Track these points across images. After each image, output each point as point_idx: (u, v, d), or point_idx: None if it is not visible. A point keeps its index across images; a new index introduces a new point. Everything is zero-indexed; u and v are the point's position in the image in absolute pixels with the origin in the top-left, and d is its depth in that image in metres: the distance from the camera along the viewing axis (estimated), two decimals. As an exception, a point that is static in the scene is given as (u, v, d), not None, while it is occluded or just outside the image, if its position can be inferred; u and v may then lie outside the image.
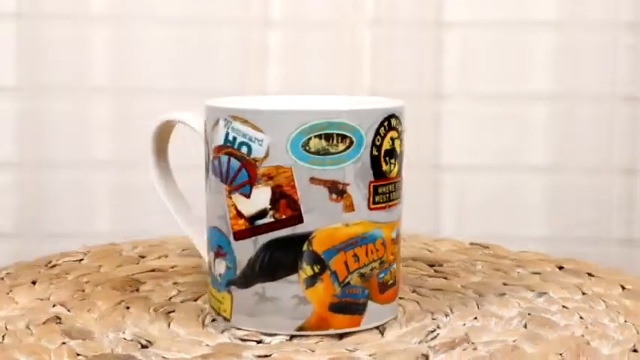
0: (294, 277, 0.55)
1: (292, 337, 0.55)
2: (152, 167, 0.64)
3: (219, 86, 0.87)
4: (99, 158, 0.89)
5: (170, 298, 0.62)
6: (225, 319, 0.57)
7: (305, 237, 0.54)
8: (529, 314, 0.59)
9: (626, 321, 0.58)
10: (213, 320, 0.58)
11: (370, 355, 0.53)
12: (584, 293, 0.63)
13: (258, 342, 0.55)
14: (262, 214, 0.54)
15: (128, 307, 0.60)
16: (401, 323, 0.57)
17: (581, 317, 0.58)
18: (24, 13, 0.87)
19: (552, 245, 0.87)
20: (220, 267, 0.57)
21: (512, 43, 0.88)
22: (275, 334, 0.55)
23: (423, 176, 0.89)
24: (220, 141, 0.55)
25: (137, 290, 0.63)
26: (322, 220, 0.54)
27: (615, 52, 0.87)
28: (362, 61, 0.88)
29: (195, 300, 0.62)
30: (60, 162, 0.88)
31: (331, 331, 0.55)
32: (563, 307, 0.60)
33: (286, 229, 0.54)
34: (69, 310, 0.59)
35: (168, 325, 0.57)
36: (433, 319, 0.59)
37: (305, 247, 0.54)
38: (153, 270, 0.69)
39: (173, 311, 0.59)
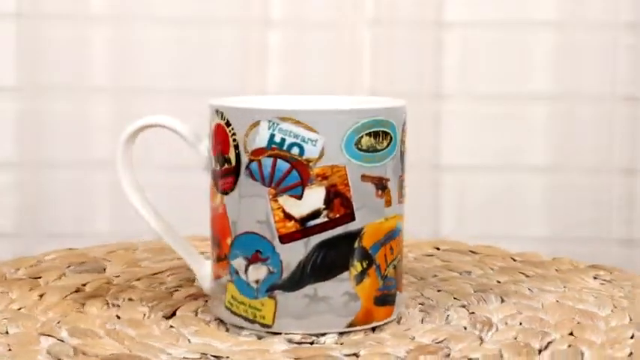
0: (345, 274, 0.55)
1: (341, 334, 0.56)
2: (124, 173, 0.64)
3: (219, 86, 0.87)
4: (99, 158, 0.89)
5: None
6: (263, 325, 0.56)
7: (356, 234, 0.55)
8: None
9: None
10: (241, 328, 0.57)
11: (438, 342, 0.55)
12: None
13: (311, 343, 0.55)
14: (316, 214, 0.54)
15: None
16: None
17: None
18: (24, 13, 0.87)
19: (552, 245, 0.87)
20: (259, 273, 0.55)
21: (512, 43, 0.88)
22: (324, 334, 0.56)
23: (423, 176, 0.89)
24: (262, 143, 0.54)
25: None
26: (370, 216, 0.56)
27: (615, 52, 0.87)
28: (362, 61, 0.88)
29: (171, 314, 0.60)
30: (60, 162, 0.88)
31: (374, 324, 0.57)
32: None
33: (339, 227, 0.55)
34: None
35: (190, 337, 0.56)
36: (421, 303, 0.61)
37: (356, 244, 0.55)
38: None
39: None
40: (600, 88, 0.88)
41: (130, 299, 0.62)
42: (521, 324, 0.58)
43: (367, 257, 0.55)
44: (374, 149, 0.55)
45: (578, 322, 0.58)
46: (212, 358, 0.52)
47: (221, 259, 0.57)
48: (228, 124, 0.55)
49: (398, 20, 0.88)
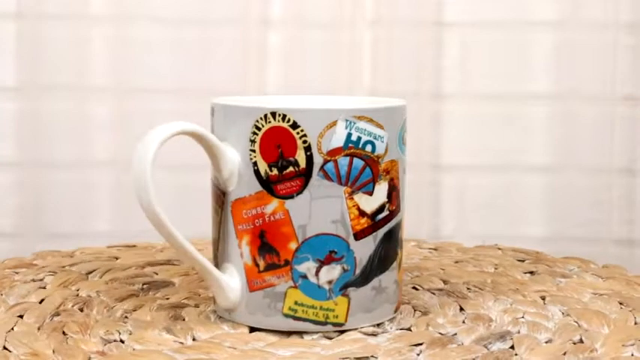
0: (394, 263, 0.58)
1: (391, 320, 0.59)
2: (152, 186, 0.55)
3: (219, 86, 0.87)
4: (99, 158, 0.89)
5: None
6: (335, 324, 0.56)
7: (400, 224, 0.59)
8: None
9: None
10: (302, 333, 0.57)
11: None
12: None
13: (381, 333, 0.57)
14: (382, 208, 0.57)
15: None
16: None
17: None
18: (24, 13, 0.87)
19: (552, 245, 0.87)
20: (333, 273, 0.56)
21: (512, 43, 0.88)
22: (381, 323, 0.58)
23: (423, 176, 0.89)
24: (340, 143, 0.55)
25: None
26: (404, 207, 0.60)
27: (615, 52, 0.87)
28: (362, 61, 0.88)
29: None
30: (60, 162, 0.88)
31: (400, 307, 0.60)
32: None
33: (394, 219, 0.58)
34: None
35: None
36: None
37: (400, 234, 0.59)
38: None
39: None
40: (600, 88, 0.88)
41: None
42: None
43: (402, 245, 0.59)
44: (405, 144, 0.59)
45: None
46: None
47: (277, 266, 0.56)
48: (295, 126, 0.55)
49: (398, 20, 0.88)
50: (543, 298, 0.63)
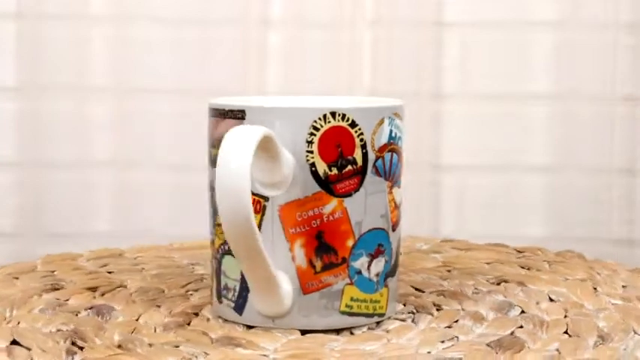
0: None
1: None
2: (249, 203, 0.52)
3: (219, 86, 0.87)
4: (99, 158, 0.89)
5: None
6: (380, 315, 0.58)
7: None
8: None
9: None
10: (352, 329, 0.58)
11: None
12: None
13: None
14: (401, 199, 0.60)
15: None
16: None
17: None
18: (24, 13, 0.87)
19: (552, 245, 0.87)
20: (379, 265, 0.57)
21: (512, 43, 0.88)
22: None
23: (423, 176, 0.89)
24: (385, 139, 0.57)
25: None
26: None
27: (615, 52, 0.87)
28: (362, 61, 0.88)
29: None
30: (60, 162, 0.88)
31: None
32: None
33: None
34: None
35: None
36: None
37: None
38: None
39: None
40: (600, 88, 0.88)
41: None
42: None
43: None
44: None
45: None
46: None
47: (335, 265, 0.56)
48: (353, 124, 0.55)
49: (398, 20, 0.88)
50: None
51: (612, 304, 0.62)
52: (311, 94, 0.66)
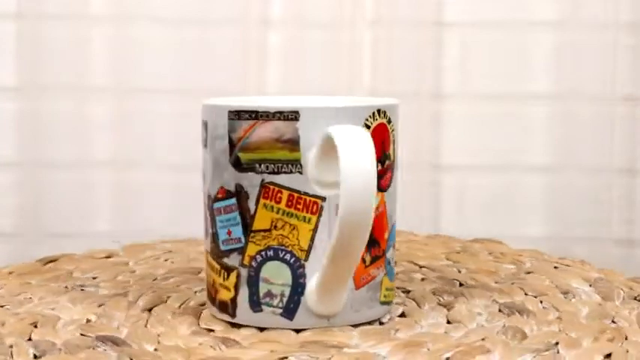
0: None
1: None
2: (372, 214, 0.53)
3: (219, 86, 0.87)
4: (99, 158, 0.89)
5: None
6: (392, 302, 0.61)
7: None
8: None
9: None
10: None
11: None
12: None
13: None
14: None
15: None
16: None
17: None
18: (24, 13, 0.87)
19: (552, 245, 0.87)
20: (394, 253, 0.60)
21: (512, 43, 0.88)
22: None
23: (423, 176, 0.89)
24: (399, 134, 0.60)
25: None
26: None
27: (615, 52, 0.87)
28: (362, 61, 0.88)
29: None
30: (60, 162, 0.88)
31: None
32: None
33: None
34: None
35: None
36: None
37: None
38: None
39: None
40: (600, 88, 0.88)
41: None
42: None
43: None
44: None
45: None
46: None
47: (378, 257, 0.58)
48: (389, 121, 0.57)
49: (398, 20, 0.88)
50: None
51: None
52: (311, 94, 0.66)
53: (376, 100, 0.59)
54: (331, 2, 0.87)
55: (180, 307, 0.61)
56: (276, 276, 0.56)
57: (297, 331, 0.56)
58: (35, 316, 0.59)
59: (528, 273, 0.69)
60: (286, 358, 0.52)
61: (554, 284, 0.66)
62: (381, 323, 0.58)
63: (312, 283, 0.56)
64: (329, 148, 0.53)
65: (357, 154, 0.52)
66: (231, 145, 0.56)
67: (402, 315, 0.60)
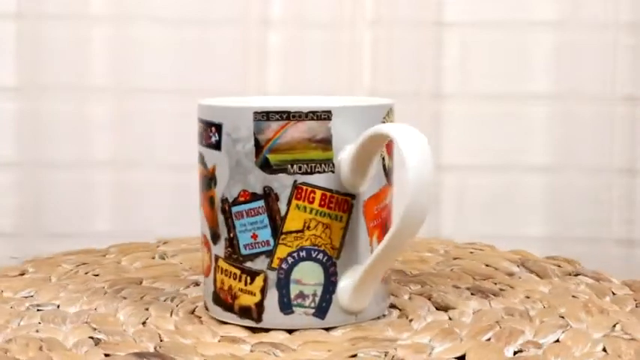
0: None
1: None
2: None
3: (219, 86, 0.87)
4: (99, 158, 0.89)
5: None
6: None
7: None
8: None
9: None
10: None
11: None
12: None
13: None
14: None
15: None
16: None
17: None
18: (24, 13, 0.87)
19: (552, 245, 0.87)
20: None
21: (512, 43, 0.88)
22: None
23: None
24: None
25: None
26: None
27: (615, 52, 0.87)
28: (362, 61, 0.88)
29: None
30: (60, 162, 0.88)
31: None
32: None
33: None
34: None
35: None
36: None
37: None
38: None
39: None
40: (600, 88, 0.88)
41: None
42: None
43: None
44: None
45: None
46: None
47: None
48: (392, 119, 0.59)
49: (398, 20, 0.88)
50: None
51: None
52: (311, 94, 0.66)
53: (380, 100, 0.60)
54: (331, 2, 0.87)
55: (171, 314, 0.60)
56: (308, 276, 0.56)
57: (326, 329, 0.57)
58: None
59: (455, 259, 0.72)
60: (355, 355, 0.52)
61: (493, 267, 0.69)
62: (383, 316, 0.59)
63: (344, 281, 0.56)
64: (371, 145, 0.54)
65: (421, 151, 0.53)
66: (258, 146, 0.55)
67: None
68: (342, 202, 0.56)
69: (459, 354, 0.53)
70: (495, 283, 0.66)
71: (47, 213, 0.88)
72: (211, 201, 0.57)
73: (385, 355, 0.52)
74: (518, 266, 0.70)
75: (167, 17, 0.87)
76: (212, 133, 0.57)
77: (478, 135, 0.89)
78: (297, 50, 0.88)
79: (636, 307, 0.60)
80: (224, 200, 0.56)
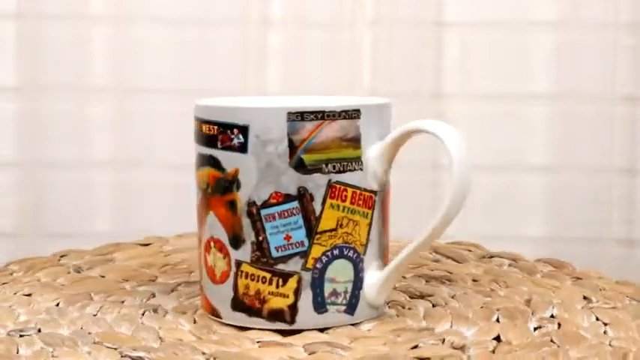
0: None
1: None
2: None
3: (219, 86, 0.87)
4: (99, 158, 0.89)
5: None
6: None
7: None
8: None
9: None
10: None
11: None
12: None
13: None
14: None
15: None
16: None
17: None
18: (24, 13, 0.87)
19: (552, 245, 0.87)
20: None
21: (512, 43, 0.88)
22: None
23: (423, 176, 0.89)
24: None
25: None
26: None
27: (615, 52, 0.87)
28: (362, 61, 0.88)
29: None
30: (60, 162, 0.88)
31: None
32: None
33: None
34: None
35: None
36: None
37: None
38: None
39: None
40: (600, 88, 0.88)
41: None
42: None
43: None
44: None
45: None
46: None
47: None
48: None
49: (398, 20, 0.88)
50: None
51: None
52: (311, 94, 0.66)
53: (373, 99, 0.61)
54: (331, 2, 0.87)
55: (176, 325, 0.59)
56: (341, 274, 0.57)
57: (354, 325, 0.58)
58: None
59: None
60: (416, 346, 0.54)
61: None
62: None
63: (370, 275, 0.58)
64: (401, 141, 0.56)
65: (462, 145, 0.56)
66: (292, 147, 0.55)
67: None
68: (368, 198, 0.57)
69: (494, 334, 0.56)
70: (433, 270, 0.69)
71: (47, 213, 0.88)
72: (231, 205, 0.56)
73: (443, 342, 0.54)
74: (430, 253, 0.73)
75: (167, 17, 0.87)
76: (234, 135, 0.56)
77: (478, 135, 0.89)
78: (297, 50, 0.88)
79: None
80: (251, 203, 0.56)
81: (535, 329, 0.56)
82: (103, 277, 0.68)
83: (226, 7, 0.87)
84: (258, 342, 0.55)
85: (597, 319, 0.58)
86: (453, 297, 0.62)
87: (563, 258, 0.72)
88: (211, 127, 0.56)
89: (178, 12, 0.87)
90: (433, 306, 0.61)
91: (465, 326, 0.57)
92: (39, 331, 0.56)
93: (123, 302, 0.62)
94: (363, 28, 0.88)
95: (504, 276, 0.67)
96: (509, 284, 0.65)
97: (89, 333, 0.56)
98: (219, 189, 0.56)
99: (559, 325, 0.57)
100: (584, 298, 0.62)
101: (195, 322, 0.59)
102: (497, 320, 0.58)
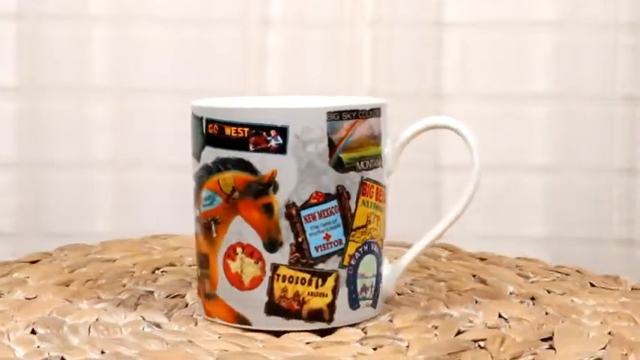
0: None
1: None
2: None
3: (219, 86, 0.87)
4: (99, 158, 0.89)
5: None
6: None
7: None
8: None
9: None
10: None
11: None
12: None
13: None
14: None
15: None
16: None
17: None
18: (24, 13, 0.87)
19: (552, 245, 0.87)
20: None
21: (512, 43, 0.88)
22: None
23: (423, 176, 0.89)
24: None
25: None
26: None
27: (615, 52, 0.87)
28: (362, 61, 0.88)
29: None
30: (60, 162, 0.88)
31: None
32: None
33: None
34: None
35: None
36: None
37: None
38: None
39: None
40: (600, 88, 0.88)
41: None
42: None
43: None
44: None
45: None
46: None
47: None
48: None
49: (398, 20, 0.88)
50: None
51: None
52: (311, 94, 0.66)
53: (365, 99, 0.63)
54: (331, 2, 0.87)
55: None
56: (369, 269, 0.58)
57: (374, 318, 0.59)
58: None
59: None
60: (460, 332, 0.56)
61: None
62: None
63: (385, 268, 0.59)
64: (413, 138, 0.58)
65: (476, 139, 0.59)
66: (332, 146, 0.55)
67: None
68: (384, 193, 0.58)
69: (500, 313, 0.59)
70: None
71: (47, 213, 0.88)
72: (267, 208, 0.55)
73: (486, 326, 0.57)
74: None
75: (167, 17, 0.88)
76: (271, 136, 0.55)
77: (478, 135, 0.89)
78: (297, 50, 0.88)
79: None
80: (290, 205, 0.55)
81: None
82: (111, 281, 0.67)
83: (226, 7, 0.87)
84: (315, 346, 0.54)
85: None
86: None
87: (564, 258, 0.72)
88: (240, 129, 0.55)
89: (178, 12, 0.87)
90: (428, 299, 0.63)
91: (477, 311, 0.59)
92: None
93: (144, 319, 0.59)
94: (363, 28, 0.88)
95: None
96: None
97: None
98: (250, 192, 0.55)
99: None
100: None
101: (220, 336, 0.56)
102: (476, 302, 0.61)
